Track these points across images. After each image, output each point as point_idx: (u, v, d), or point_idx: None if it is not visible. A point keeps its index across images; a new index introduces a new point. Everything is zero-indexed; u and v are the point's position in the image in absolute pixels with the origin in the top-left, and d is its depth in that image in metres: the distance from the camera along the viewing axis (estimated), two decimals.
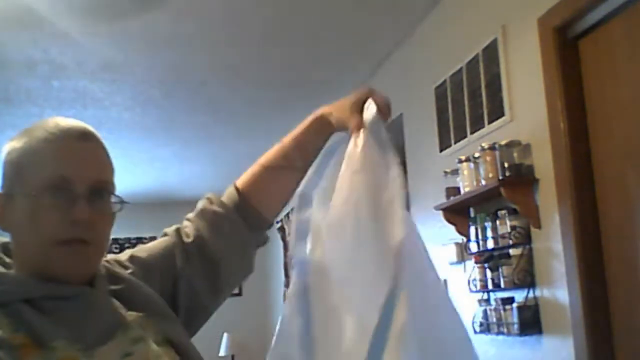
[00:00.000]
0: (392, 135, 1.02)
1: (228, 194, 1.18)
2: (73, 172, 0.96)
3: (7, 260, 1.00)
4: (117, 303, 1.01)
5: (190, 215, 1.19)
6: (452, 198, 2.74)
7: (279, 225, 6.50)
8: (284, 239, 6.33)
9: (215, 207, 1.16)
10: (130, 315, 1.01)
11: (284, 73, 3.91)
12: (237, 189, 1.17)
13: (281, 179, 1.17)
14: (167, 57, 3.56)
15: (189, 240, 1.13)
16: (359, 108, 1.06)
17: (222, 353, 7.07)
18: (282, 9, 3.09)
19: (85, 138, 1.00)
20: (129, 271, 1.08)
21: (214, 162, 5.85)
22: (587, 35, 2.13)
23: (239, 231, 1.15)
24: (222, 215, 1.15)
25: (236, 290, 8.56)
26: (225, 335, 7.38)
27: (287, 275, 6.28)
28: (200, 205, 1.19)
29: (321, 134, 1.18)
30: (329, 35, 3.41)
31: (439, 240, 3.04)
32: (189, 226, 1.16)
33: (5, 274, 0.96)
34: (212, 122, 4.78)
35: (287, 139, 1.19)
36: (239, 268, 1.18)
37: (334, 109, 1.16)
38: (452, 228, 2.81)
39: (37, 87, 3.83)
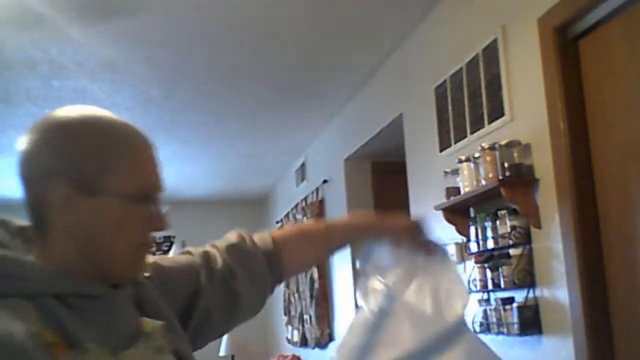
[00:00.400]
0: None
1: (262, 239, 1.22)
2: (158, 182, 0.98)
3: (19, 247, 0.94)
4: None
5: (218, 243, 1.20)
6: (452, 198, 2.74)
7: (279, 225, 6.51)
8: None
9: (247, 247, 1.19)
10: (147, 322, 0.99)
11: (283, 73, 3.91)
12: (272, 238, 1.22)
13: (313, 250, 1.28)
14: (167, 57, 3.56)
15: (217, 267, 1.15)
16: (417, 232, 1.23)
17: (222, 353, 7.07)
18: (282, 9, 3.09)
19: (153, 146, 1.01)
20: (147, 274, 1.06)
21: (214, 162, 5.85)
22: (587, 35, 2.13)
23: (264, 275, 1.20)
24: (253, 255, 1.18)
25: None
26: (225, 335, 7.38)
27: None
28: (232, 238, 1.20)
29: (368, 236, 1.26)
30: (329, 35, 3.41)
31: (439, 240, 3.04)
32: (216, 254, 1.17)
33: (35, 265, 0.89)
34: (212, 122, 4.79)
35: (339, 223, 1.29)
36: (254, 306, 1.23)
37: (390, 222, 1.25)
38: (452, 228, 2.81)
39: (37, 87, 3.83)
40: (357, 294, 1.21)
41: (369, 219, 1.30)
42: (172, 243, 7.30)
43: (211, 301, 1.11)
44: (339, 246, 1.28)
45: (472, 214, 2.70)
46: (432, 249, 1.21)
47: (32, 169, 0.93)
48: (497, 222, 2.43)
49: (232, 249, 1.18)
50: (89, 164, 0.91)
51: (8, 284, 0.86)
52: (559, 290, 2.20)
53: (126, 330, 0.95)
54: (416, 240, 1.22)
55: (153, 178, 0.97)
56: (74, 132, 0.93)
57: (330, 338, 5.03)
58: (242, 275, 1.15)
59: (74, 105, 0.99)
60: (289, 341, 6.27)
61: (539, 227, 2.29)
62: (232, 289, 1.14)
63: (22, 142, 0.95)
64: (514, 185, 2.32)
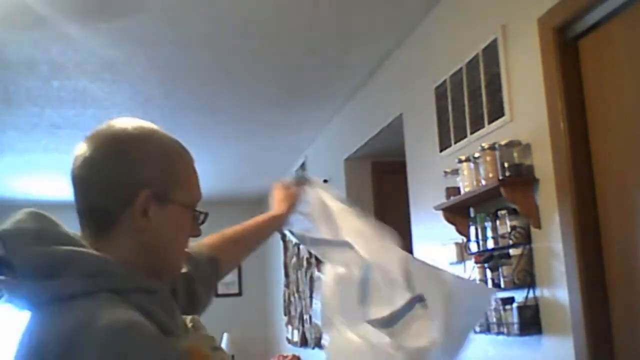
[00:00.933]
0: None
1: (200, 247, 1.39)
2: (201, 193, 1.13)
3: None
4: None
5: None
6: (452, 198, 2.74)
7: None
8: (283, 239, 6.33)
9: (196, 255, 1.34)
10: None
11: (283, 73, 3.91)
12: (209, 246, 1.41)
13: (241, 251, 1.55)
14: (167, 57, 3.56)
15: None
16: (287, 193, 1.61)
17: None
18: (282, 8, 3.09)
19: None
20: None
21: (214, 162, 5.85)
22: (587, 35, 2.13)
23: (211, 278, 1.37)
24: (202, 263, 1.34)
25: (236, 290, 8.62)
26: (225, 335, 7.39)
27: (287, 275, 6.28)
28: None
29: (276, 223, 1.59)
30: (329, 36, 3.41)
31: (439, 240, 3.04)
32: None
33: (115, 262, 0.97)
34: (212, 122, 4.79)
35: (253, 223, 1.56)
36: (205, 305, 1.34)
37: (279, 206, 1.60)
38: (452, 228, 2.81)
39: (37, 87, 3.83)
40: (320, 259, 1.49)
41: (270, 214, 1.59)
42: None
43: (182, 300, 1.21)
44: (260, 241, 1.58)
45: (472, 214, 2.70)
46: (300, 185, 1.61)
47: (118, 177, 1.01)
48: (497, 222, 2.42)
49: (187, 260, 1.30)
50: (167, 176, 1.05)
51: (97, 281, 0.94)
52: (559, 290, 2.20)
53: (181, 321, 1.07)
54: (294, 197, 1.59)
55: (199, 190, 1.11)
56: (155, 144, 1.06)
57: None
58: (197, 278, 1.29)
59: (134, 119, 1.08)
60: (289, 341, 6.27)
61: (539, 227, 2.29)
62: (192, 289, 1.26)
63: (94, 150, 1.02)
64: (514, 185, 2.32)
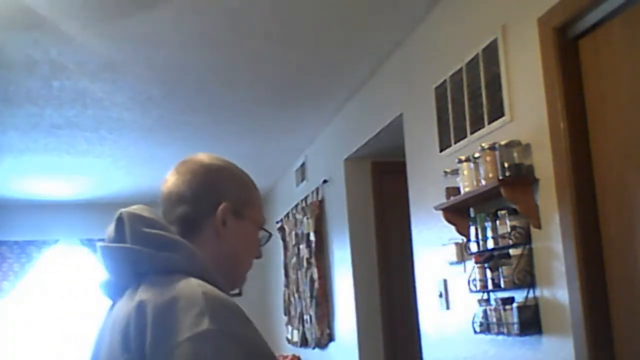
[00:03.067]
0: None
1: None
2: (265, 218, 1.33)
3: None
4: None
5: None
6: (452, 198, 2.74)
7: (279, 225, 6.50)
8: (284, 239, 6.33)
9: None
10: None
11: (283, 73, 3.91)
12: None
13: None
14: (167, 57, 3.56)
15: None
16: None
17: None
18: (282, 8, 3.09)
19: None
20: None
21: None
22: (587, 35, 2.13)
23: None
24: None
25: (236, 290, 8.60)
26: None
27: (287, 275, 6.28)
28: None
29: None
30: (328, 35, 3.41)
31: (439, 240, 3.04)
32: None
33: (205, 259, 1.16)
34: (212, 122, 4.79)
35: None
36: None
37: None
38: (452, 228, 2.81)
39: (37, 87, 3.83)
40: None
41: None
42: None
43: None
44: None
45: (472, 214, 2.70)
46: None
47: (205, 191, 1.24)
48: (497, 222, 2.43)
49: None
50: (243, 196, 1.27)
51: (196, 264, 1.13)
52: (559, 290, 2.20)
53: None
54: None
55: (264, 216, 1.32)
56: (233, 172, 1.30)
57: (330, 338, 5.03)
58: None
59: (215, 155, 1.32)
60: (289, 341, 6.27)
61: (539, 227, 2.29)
62: None
63: (185, 171, 1.26)
64: (514, 185, 2.32)
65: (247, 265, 1.29)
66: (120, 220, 1.17)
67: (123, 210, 1.18)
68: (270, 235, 1.31)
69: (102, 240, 1.19)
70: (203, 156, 1.29)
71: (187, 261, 1.13)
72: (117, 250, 1.15)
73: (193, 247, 1.16)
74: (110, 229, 1.18)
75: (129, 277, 1.13)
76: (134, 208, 1.20)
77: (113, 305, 1.17)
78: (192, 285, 1.06)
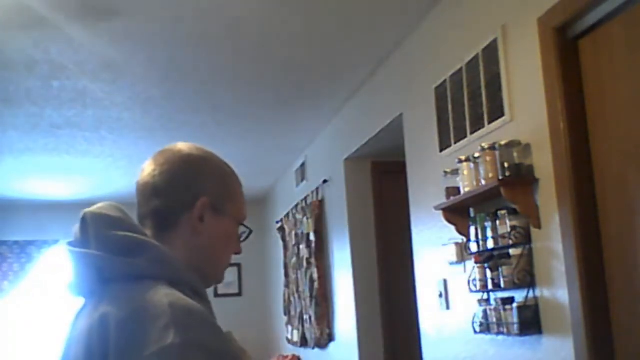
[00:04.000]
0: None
1: None
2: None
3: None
4: None
5: None
6: (452, 198, 2.74)
7: (279, 225, 6.50)
8: (284, 239, 6.33)
9: None
10: None
11: (283, 73, 3.91)
12: None
13: None
14: (167, 57, 3.56)
15: None
16: None
17: None
18: (282, 8, 3.09)
19: None
20: None
21: None
22: (587, 35, 2.13)
23: None
24: None
25: (236, 290, 8.64)
26: None
27: (287, 275, 6.28)
28: None
29: None
30: (328, 35, 3.41)
31: (439, 240, 3.04)
32: None
33: (176, 258, 1.11)
34: (212, 122, 4.78)
35: None
36: None
37: None
38: (452, 228, 2.81)
39: (37, 87, 3.83)
40: None
41: None
42: None
43: None
44: None
45: (472, 214, 2.70)
46: None
47: (182, 184, 1.17)
48: (497, 222, 2.43)
49: None
50: (224, 190, 1.21)
51: (164, 267, 1.07)
52: (559, 290, 2.20)
53: None
54: None
55: (246, 211, 1.25)
56: (214, 164, 1.23)
57: (330, 338, 5.03)
58: None
59: (195, 144, 1.25)
60: (289, 341, 6.27)
61: (539, 227, 2.29)
62: None
63: (164, 162, 1.19)
64: (514, 185, 2.32)
65: (225, 262, 1.23)
66: (84, 222, 1.11)
67: (87, 210, 1.12)
68: (251, 231, 1.25)
69: (69, 243, 1.13)
70: (182, 145, 1.22)
71: (156, 265, 1.07)
72: (81, 255, 1.09)
73: (163, 247, 1.10)
74: (76, 231, 1.12)
75: (94, 282, 1.07)
76: (99, 207, 1.13)
77: (82, 310, 1.12)
78: (158, 295, 1.00)
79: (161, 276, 1.05)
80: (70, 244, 1.12)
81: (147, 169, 1.20)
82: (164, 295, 1.00)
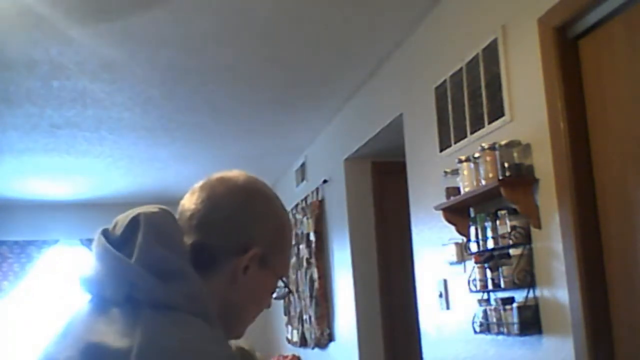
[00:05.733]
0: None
1: None
2: None
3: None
4: None
5: None
6: (452, 198, 2.74)
7: None
8: None
9: None
10: None
11: (283, 73, 3.91)
12: None
13: None
14: (167, 57, 3.56)
15: None
16: None
17: None
18: (282, 8, 3.09)
19: None
20: None
21: (214, 162, 5.85)
22: (587, 35, 2.13)
23: None
24: None
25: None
26: None
27: (287, 275, 6.27)
28: None
29: None
30: (328, 35, 3.41)
31: (439, 240, 3.04)
32: None
33: (211, 301, 0.98)
34: (212, 122, 4.78)
35: None
36: None
37: None
38: (452, 228, 2.81)
39: (37, 87, 3.83)
40: None
41: None
42: None
43: None
44: None
45: (472, 214, 2.70)
46: None
47: (239, 226, 1.04)
48: (497, 222, 2.42)
49: None
50: (276, 243, 1.07)
51: (199, 306, 0.94)
52: (559, 290, 2.20)
53: None
54: None
55: (290, 264, 1.13)
56: (275, 212, 1.09)
57: (330, 338, 5.03)
58: None
59: (257, 177, 1.11)
60: (289, 341, 6.27)
61: (539, 227, 2.29)
62: None
63: (222, 193, 1.05)
64: (514, 185, 2.32)
65: (253, 318, 1.11)
66: (135, 224, 0.98)
67: (142, 212, 0.99)
68: (290, 291, 1.13)
69: (106, 233, 1.00)
70: (246, 178, 1.08)
71: (190, 299, 0.94)
72: (118, 264, 0.95)
73: (205, 286, 0.97)
74: (119, 227, 1.00)
75: (120, 295, 0.94)
76: (157, 214, 1.00)
77: (91, 310, 0.99)
78: (203, 342, 0.90)
79: (198, 313, 0.93)
80: (106, 236, 0.99)
81: (198, 193, 1.06)
82: (207, 341, 0.90)
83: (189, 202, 1.06)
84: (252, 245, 1.03)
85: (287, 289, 1.12)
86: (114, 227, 1.01)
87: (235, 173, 1.09)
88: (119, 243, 0.97)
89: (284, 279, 1.11)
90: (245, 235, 1.03)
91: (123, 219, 1.00)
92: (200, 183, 1.08)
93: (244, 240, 1.03)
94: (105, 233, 1.00)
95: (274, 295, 1.12)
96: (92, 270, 0.99)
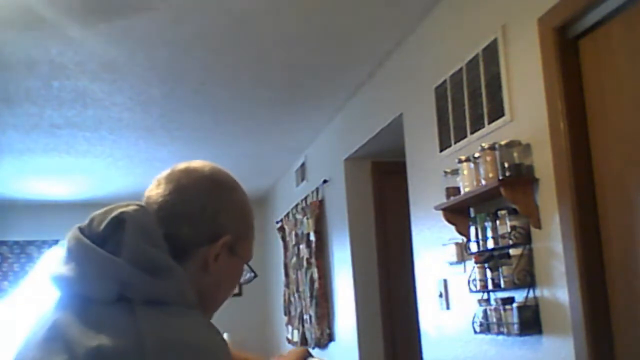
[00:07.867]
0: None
1: None
2: None
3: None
4: None
5: None
6: (452, 198, 2.74)
7: (279, 225, 6.50)
8: (284, 239, 6.33)
9: None
10: None
11: (284, 73, 3.91)
12: None
13: None
14: (167, 57, 3.56)
15: None
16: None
17: None
18: (282, 9, 3.09)
19: None
20: None
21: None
22: (587, 35, 2.13)
23: None
24: None
25: (236, 290, 8.57)
26: (225, 335, 7.37)
27: (287, 275, 6.28)
28: None
29: None
30: (328, 36, 3.41)
31: (439, 240, 3.04)
32: None
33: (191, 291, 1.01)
34: (212, 122, 4.79)
35: None
36: None
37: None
38: (452, 228, 2.81)
39: (37, 87, 3.83)
40: None
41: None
42: None
43: None
44: None
45: (472, 214, 2.70)
46: None
47: (210, 216, 1.06)
48: (497, 222, 2.43)
49: None
50: (242, 229, 1.11)
51: (187, 298, 0.98)
52: (559, 290, 2.20)
53: None
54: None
55: (253, 250, 1.14)
56: (239, 199, 1.12)
57: (330, 338, 5.03)
58: None
59: (220, 167, 1.14)
60: (289, 341, 6.27)
61: (539, 227, 2.29)
62: None
63: (190, 183, 1.08)
64: (514, 185, 2.32)
65: (221, 303, 1.13)
66: (117, 223, 0.99)
67: (124, 210, 1.00)
68: (256, 275, 1.15)
69: (83, 231, 1.00)
70: (210, 168, 1.11)
71: (181, 292, 0.97)
72: (108, 263, 0.95)
73: (186, 277, 1.00)
74: (97, 225, 1.00)
75: (110, 294, 0.94)
76: (138, 210, 1.01)
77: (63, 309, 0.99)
78: (205, 331, 0.96)
79: (189, 304, 0.98)
80: (84, 233, 0.99)
81: (165, 185, 1.07)
82: (213, 334, 0.97)
83: (155, 194, 1.07)
84: (221, 234, 1.06)
85: (253, 274, 1.15)
86: (90, 224, 1.01)
87: (199, 163, 1.12)
88: (99, 241, 0.98)
89: (249, 263, 1.14)
90: (215, 224, 1.06)
91: (100, 216, 1.01)
92: (164, 174, 1.10)
93: (214, 229, 1.05)
94: (82, 231, 1.01)
95: (241, 280, 1.15)
96: (70, 269, 0.99)
